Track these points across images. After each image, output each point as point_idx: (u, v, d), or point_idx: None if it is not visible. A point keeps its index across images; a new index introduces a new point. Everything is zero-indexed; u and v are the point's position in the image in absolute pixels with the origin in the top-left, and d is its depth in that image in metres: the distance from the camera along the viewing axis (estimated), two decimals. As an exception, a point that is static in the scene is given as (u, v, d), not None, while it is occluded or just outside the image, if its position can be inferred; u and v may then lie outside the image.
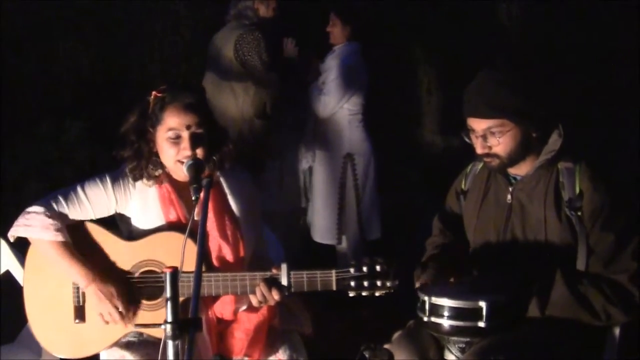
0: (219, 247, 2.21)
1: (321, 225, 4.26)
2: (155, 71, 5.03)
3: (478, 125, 2.20)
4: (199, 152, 2.13)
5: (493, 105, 2.15)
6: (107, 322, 2.16)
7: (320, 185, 4.26)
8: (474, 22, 5.27)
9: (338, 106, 4.08)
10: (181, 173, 2.14)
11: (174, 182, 2.23)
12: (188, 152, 2.12)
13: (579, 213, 2.14)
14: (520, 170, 2.26)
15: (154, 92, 2.19)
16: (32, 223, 2.14)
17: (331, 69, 4.09)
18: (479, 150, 2.23)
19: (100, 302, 2.14)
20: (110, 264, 2.19)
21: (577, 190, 2.16)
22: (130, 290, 2.18)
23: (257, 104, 3.88)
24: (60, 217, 2.16)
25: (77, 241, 2.19)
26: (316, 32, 4.20)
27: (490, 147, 2.20)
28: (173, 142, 2.14)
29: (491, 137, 2.19)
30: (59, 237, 2.14)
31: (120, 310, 2.14)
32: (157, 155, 2.20)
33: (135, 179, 2.21)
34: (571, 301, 2.08)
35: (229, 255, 2.22)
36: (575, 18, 4.88)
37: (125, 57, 5.07)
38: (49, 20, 4.86)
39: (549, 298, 2.09)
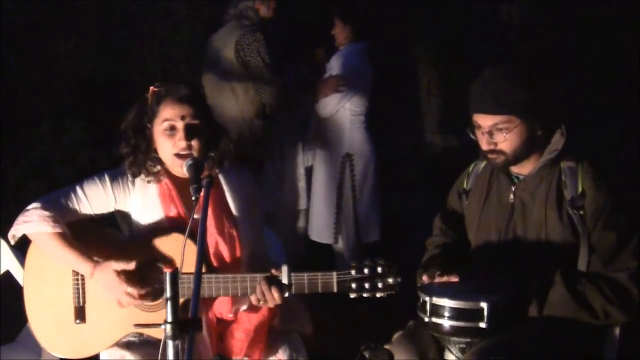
0: (216, 244, 2.21)
1: (318, 224, 4.27)
2: (155, 71, 5.03)
3: (484, 121, 2.20)
4: (194, 144, 2.13)
5: (500, 102, 2.15)
6: (122, 306, 2.13)
7: (319, 184, 4.26)
8: (474, 22, 5.27)
9: (338, 106, 4.08)
10: (179, 168, 2.14)
11: (173, 179, 2.23)
12: (183, 143, 2.12)
13: (581, 212, 2.14)
14: (523, 169, 2.26)
15: (151, 88, 2.21)
16: (31, 218, 2.15)
17: (334, 69, 4.10)
18: (485, 146, 2.22)
19: (109, 286, 2.11)
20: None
21: (580, 190, 2.16)
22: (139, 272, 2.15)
23: (257, 105, 3.87)
24: (58, 211, 2.16)
25: (77, 240, 2.18)
26: (325, 32, 4.20)
27: (496, 144, 2.20)
28: (169, 134, 2.14)
29: (497, 133, 2.18)
30: (57, 229, 2.13)
31: (130, 291, 2.11)
32: (155, 151, 2.21)
33: (134, 175, 2.22)
34: (570, 301, 2.08)
35: (226, 253, 2.22)
36: (575, 18, 4.88)
37: (125, 57, 5.07)
38: (49, 20, 4.86)
39: (546, 298, 2.09)
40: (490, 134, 2.20)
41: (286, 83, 4.06)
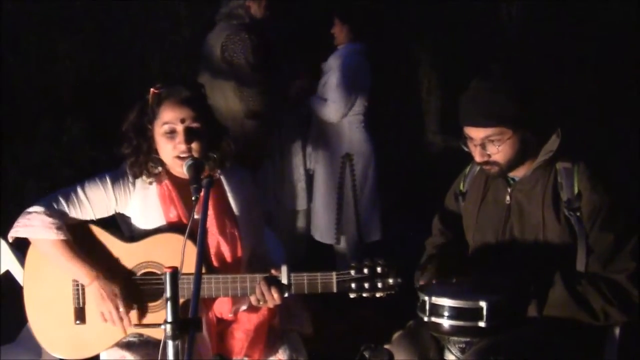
0: (218, 244, 2.21)
1: (321, 224, 4.26)
2: (155, 71, 5.03)
3: (476, 134, 2.18)
4: (194, 146, 2.13)
5: (491, 114, 2.13)
6: (105, 321, 2.15)
7: (320, 185, 4.26)
8: (474, 22, 5.27)
9: (346, 109, 4.05)
10: (180, 169, 2.14)
11: (174, 180, 2.23)
12: (183, 146, 2.12)
13: (578, 213, 2.14)
14: (518, 171, 2.26)
15: (152, 89, 2.20)
16: (33, 223, 2.14)
17: (333, 70, 4.08)
18: (478, 158, 2.21)
19: (102, 301, 2.13)
20: (111, 265, 2.19)
21: (576, 191, 2.15)
22: (133, 291, 2.17)
23: (246, 105, 3.84)
24: (61, 217, 2.16)
25: (78, 243, 2.18)
26: (326, 31, 4.19)
27: (489, 155, 2.19)
28: (169, 136, 2.14)
29: (490, 145, 2.17)
30: (61, 236, 2.13)
31: (121, 310, 2.14)
32: (156, 152, 2.20)
33: (135, 177, 2.21)
34: (570, 302, 2.08)
35: (227, 254, 2.22)
36: (576, 18, 4.88)
37: (125, 57, 5.07)
38: (49, 20, 4.86)
39: (546, 298, 2.09)
40: (483, 146, 2.18)
41: (278, 84, 4.04)
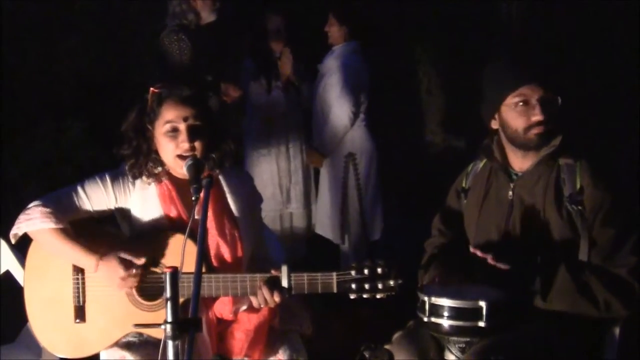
0: (217, 245, 2.21)
1: (326, 224, 4.26)
2: (155, 71, 5.02)
3: (533, 92, 2.16)
4: (197, 145, 2.13)
5: (548, 72, 2.15)
6: (121, 288, 2.13)
7: (324, 185, 4.27)
8: (474, 22, 5.27)
9: (353, 109, 4.02)
10: (181, 169, 2.13)
11: (174, 180, 2.23)
12: (186, 145, 2.12)
13: (580, 207, 2.14)
14: (521, 165, 2.26)
15: (151, 89, 2.20)
16: (32, 216, 2.15)
17: (332, 71, 4.07)
18: (539, 116, 2.16)
19: (115, 273, 2.11)
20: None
21: (578, 187, 2.16)
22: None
23: None
24: (60, 209, 2.16)
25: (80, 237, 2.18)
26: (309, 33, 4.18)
27: (547, 115, 2.15)
28: (171, 135, 2.14)
29: (547, 105, 2.16)
30: (60, 225, 2.14)
31: (136, 272, 2.11)
32: (156, 152, 2.20)
33: (134, 177, 2.21)
34: (573, 289, 2.07)
35: (227, 254, 2.22)
36: (576, 17, 4.88)
37: (125, 57, 5.07)
38: (49, 20, 4.86)
39: (552, 286, 2.09)
40: (541, 104, 2.15)
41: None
